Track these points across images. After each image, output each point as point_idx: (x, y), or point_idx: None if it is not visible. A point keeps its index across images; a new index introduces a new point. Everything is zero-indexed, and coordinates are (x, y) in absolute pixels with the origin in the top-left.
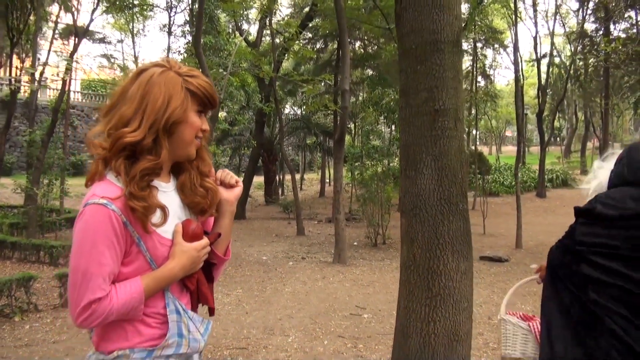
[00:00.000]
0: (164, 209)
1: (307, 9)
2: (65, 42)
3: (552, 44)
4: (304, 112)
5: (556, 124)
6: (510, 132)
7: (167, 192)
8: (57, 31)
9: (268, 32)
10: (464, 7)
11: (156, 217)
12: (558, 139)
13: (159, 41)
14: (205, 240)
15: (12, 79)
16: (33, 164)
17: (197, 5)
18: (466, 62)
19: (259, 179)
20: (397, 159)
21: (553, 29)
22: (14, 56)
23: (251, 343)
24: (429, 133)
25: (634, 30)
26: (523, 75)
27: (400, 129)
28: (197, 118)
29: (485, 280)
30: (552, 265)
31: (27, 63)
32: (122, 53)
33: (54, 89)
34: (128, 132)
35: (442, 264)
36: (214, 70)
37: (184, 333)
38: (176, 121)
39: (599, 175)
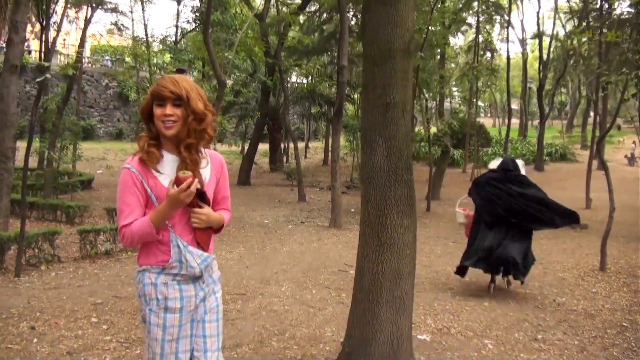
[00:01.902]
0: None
1: None
2: (78, 10)
3: (555, 20)
4: (308, 83)
5: (561, 98)
6: (517, 105)
7: (173, 161)
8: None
9: (274, 2)
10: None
11: (158, 166)
12: (562, 113)
13: (168, 9)
14: (183, 185)
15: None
16: (46, 129)
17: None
18: (469, 36)
19: (264, 147)
20: None
21: (556, 4)
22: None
23: (249, 290)
24: (381, 120)
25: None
26: (525, 51)
27: (361, 116)
28: (157, 108)
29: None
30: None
31: (37, 27)
32: (132, 20)
33: (65, 54)
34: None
35: (389, 220)
36: (220, 46)
37: (182, 260)
38: (148, 113)
39: (495, 164)
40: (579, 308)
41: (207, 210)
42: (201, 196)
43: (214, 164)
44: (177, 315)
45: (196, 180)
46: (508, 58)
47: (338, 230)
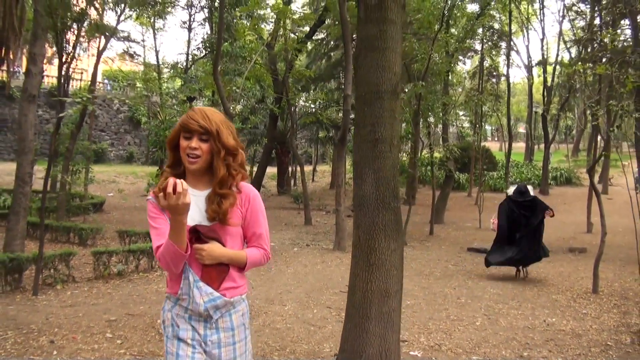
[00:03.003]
0: None
1: (319, 12)
2: (93, 40)
3: (559, 46)
4: (315, 108)
5: (567, 122)
6: (524, 129)
7: (196, 196)
8: (83, 27)
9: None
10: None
11: None
12: (569, 137)
13: (179, 35)
14: (164, 191)
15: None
16: (59, 153)
17: (215, 31)
18: (475, 61)
19: (272, 170)
20: (407, 154)
21: (560, 31)
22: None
23: (254, 309)
24: (371, 154)
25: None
26: (530, 76)
27: (353, 150)
28: (184, 141)
29: (466, 268)
30: (501, 206)
31: (50, 52)
32: (144, 47)
33: (78, 80)
34: None
35: (377, 243)
36: (228, 76)
37: (190, 294)
38: (174, 144)
39: (511, 190)
40: (567, 328)
41: (209, 246)
42: (196, 233)
43: (240, 197)
44: (190, 348)
45: (178, 181)
46: (508, 84)
47: (342, 253)
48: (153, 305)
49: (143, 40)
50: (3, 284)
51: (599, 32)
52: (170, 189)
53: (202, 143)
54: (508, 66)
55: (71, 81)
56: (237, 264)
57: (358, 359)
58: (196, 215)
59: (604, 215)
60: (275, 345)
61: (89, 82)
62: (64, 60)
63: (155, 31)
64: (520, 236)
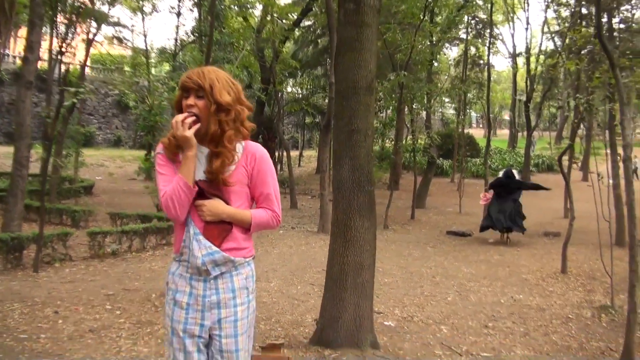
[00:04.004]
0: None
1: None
2: (83, 25)
3: (542, 36)
4: (302, 94)
5: (551, 110)
6: (508, 116)
7: (201, 153)
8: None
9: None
10: None
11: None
12: (553, 125)
13: (168, 20)
14: (175, 120)
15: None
16: (49, 136)
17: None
18: (461, 49)
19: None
20: (391, 140)
21: (544, 21)
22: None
23: None
24: (348, 143)
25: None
26: (515, 65)
27: (333, 139)
28: (184, 100)
29: (443, 249)
30: (492, 185)
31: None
32: (132, 31)
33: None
34: None
35: (353, 222)
36: (218, 63)
37: (189, 247)
38: (179, 107)
39: (501, 173)
40: (533, 303)
41: (211, 202)
42: (201, 191)
43: (245, 156)
44: (184, 312)
45: (188, 118)
46: (489, 74)
47: (326, 235)
48: (147, 282)
49: (132, 26)
50: (5, 262)
51: (581, 23)
52: (180, 119)
53: (198, 100)
54: (488, 55)
55: (61, 65)
56: (240, 223)
57: (336, 323)
58: (199, 172)
59: (572, 201)
60: (262, 316)
61: (81, 68)
62: (60, 47)
63: (144, 15)
64: (504, 208)
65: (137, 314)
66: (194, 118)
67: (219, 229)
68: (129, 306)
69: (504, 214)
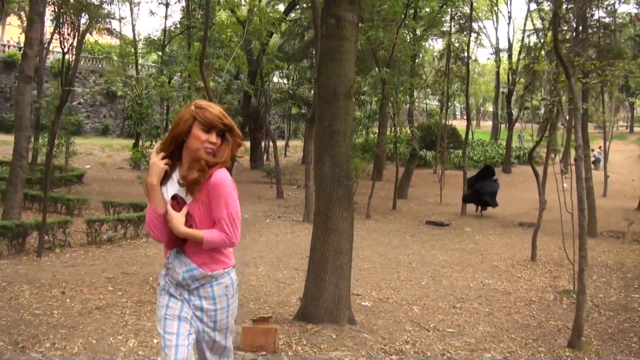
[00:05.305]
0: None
1: None
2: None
3: (524, 32)
4: (288, 85)
5: (533, 103)
6: (492, 108)
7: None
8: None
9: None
10: None
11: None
12: (536, 117)
13: (156, 10)
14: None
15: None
16: (44, 126)
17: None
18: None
19: (245, 145)
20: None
21: (527, 15)
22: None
23: None
24: (328, 143)
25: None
26: (498, 58)
27: (315, 139)
28: (202, 133)
29: (422, 238)
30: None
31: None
32: (120, 21)
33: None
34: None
35: (332, 212)
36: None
37: (172, 263)
38: (182, 134)
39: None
40: (500, 287)
41: (175, 215)
42: (178, 201)
43: (207, 183)
44: (179, 301)
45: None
46: (467, 69)
47: (310, 224)
48: (144, 266)
49: (122, 18)
50: (9, 247)
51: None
52: (160, 165)
53: (218, 138)
54: (467, 51)
55: (50, 54)
56: (194, 240)
57: (317, 302)
58: (174, 187)
59: (542, 192)
60: (251, 297)
61: (72, 60)
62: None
63: (132, 5)
64: (480, 189)
65: (137, 294)
66: (168, 163)
67: (193, 245)
68: (129, 288)
69: (485, 190)
